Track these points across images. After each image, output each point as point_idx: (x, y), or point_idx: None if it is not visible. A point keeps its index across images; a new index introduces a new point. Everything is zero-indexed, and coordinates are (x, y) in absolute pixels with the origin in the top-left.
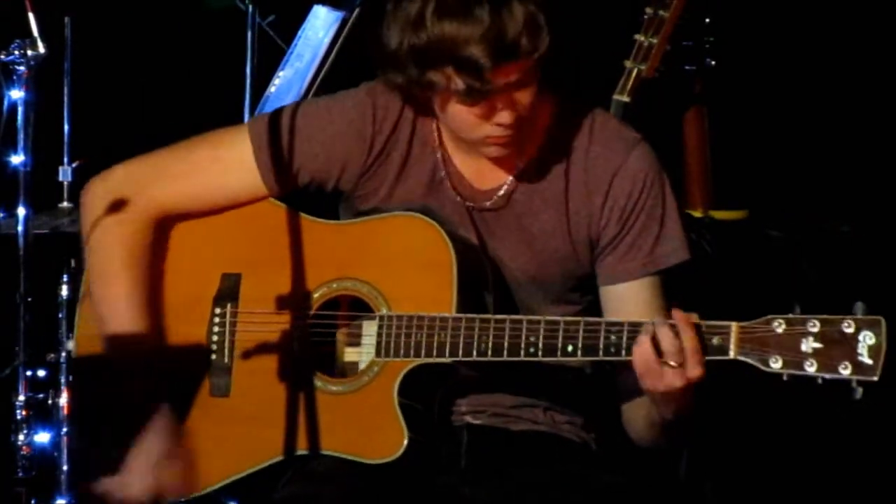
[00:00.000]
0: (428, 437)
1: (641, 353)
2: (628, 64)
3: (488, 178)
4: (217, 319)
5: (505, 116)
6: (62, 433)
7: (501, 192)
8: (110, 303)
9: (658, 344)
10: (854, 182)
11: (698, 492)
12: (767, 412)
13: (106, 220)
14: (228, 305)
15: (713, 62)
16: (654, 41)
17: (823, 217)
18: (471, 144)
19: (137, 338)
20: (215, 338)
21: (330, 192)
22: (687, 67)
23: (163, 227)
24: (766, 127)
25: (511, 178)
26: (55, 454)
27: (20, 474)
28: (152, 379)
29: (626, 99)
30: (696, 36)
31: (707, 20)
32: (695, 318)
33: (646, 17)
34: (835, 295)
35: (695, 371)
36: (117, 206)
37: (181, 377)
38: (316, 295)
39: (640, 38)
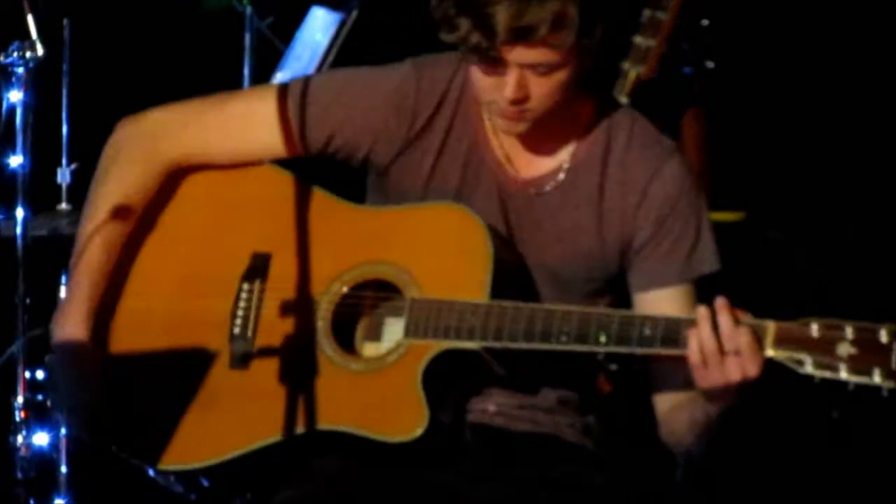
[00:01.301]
0: (445, 427)
1: (702, 345)
2: (626, 66)
3: (526, 166)
4: (244, 295)
5: (508, 91)
6: (61, 434)
7: (539, 183)
8: (82, 234)
9: (718, 332)
10: (853, 183)
11: (696, 494)
12: (764, 414)
13: (117, 152)
14: (257, 282)
15: (711, 64)
16: (652, 43)
17: (822, 218)
18: (485, 109)
19: (88, 272)
20: (240, 312)
21: (358, 164)
22: (685, 69)
23: (179, 180)
24: (765, 129)
25: (550, 169)
26: (54, 455)
27: (19, 475)
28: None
29: (623, 101)
30: (693, 38)
31: (705, 22)
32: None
33: (643, 18)
34: (832, 296)
35: (753, 367)
36: (139, 140)
37: (201, 348)
38: (346, 277)
39: (638, 39)
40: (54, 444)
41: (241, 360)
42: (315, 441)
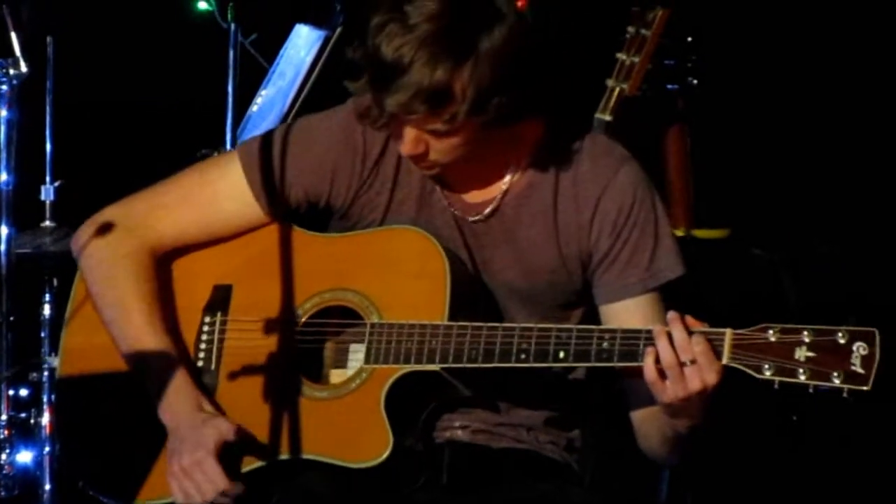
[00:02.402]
0: (412, 448)
1: (665, 356)
2: (610, 82)
3: (478, 190)
4: (206, 328)
5: (404, 148)
6: (45, 452)
7: (491, 205)
8: (132, 336)
9: (673, 345)
10: (837, 201)
11: None
12: (750, 431)
13: (108, 256)
14: (218, 314)
15: (695, 81)
16: (637, 60)
17: (806, 236)
18: None
19: (166, 360)
20: (203, 346)
21: (322, 210)
22: (669, 86)
23: (164, 256)
24: (749, 146)
25: (501, 190)
26: (37, 473)
27: (2, 493)
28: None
29: (608, 118)
30: (678, 55)
31: (689, 39)
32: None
33: (628, 35)
34: (816, 312)
35: (711, 374)
36: (117, 239)
37: None
38: (307, 305)
39: (622, 56)
40: (38, 462)
41: (207, 395)
42: (284, 469)
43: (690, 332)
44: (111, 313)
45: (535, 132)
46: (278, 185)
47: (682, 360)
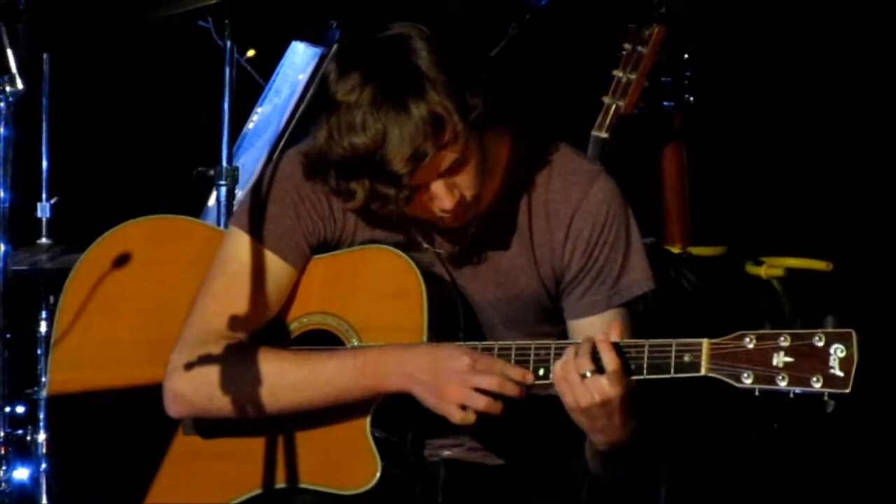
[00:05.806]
0: (403, 470)
1: (562, 365)
2: (607, 100)
3: (451, 218)
4: None
5: (445, 202)
6: (41, 469)
7: (465, 233)
8: (301, 387)
9: (577, 357)
10: (832, 218)
11: None
12: (747, 446)
13: (226, 374)
14: None
15: (691, 98)
16: (633, 77)
17: (802, 253)
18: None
19: (336, 362)
20: None
21: (329, 246)
22: (665, 103)
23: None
24: (745, 163)
25: (473, 217)
26: (34, 490)
27: None
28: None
29: (604, 135)
30: (674, 72)
31: (685, 56)
32: (615, 336)
33: (624, 52)
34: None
35: (614, 388)
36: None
37: (154, 417)
38: (287, 330)
39: (618, 73)
40: (35, 479)
41: (193, 427)
42: (277, 496)
43: (616, 344)
44: (285, 401)
45: (503, 152)
46: (298, 239)
47: (581, 371)
